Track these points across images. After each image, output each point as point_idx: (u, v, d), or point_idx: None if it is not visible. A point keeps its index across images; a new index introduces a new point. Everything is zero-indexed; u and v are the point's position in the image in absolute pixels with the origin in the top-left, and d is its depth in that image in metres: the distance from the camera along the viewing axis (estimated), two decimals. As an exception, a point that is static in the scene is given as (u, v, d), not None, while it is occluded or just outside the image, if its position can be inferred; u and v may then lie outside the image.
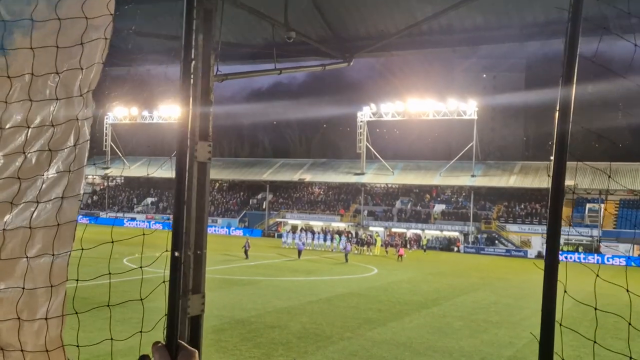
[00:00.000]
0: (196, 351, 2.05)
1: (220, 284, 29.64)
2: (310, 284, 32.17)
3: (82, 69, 2.38)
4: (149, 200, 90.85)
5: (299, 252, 48.36)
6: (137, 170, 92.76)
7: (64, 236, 2.41)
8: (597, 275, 3.27)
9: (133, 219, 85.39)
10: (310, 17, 8.11)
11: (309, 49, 8.67)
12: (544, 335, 2.23)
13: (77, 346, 2.73)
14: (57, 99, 2.38)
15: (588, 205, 65.83)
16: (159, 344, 2.05)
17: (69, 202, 2.41)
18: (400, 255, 50.51)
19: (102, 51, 2.40)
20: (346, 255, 47.02)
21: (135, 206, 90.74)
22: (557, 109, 2.23)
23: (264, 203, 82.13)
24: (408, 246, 63.58)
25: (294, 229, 71.53)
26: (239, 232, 76.65)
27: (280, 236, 63.11)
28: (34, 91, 2.37)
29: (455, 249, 66.60)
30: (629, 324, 3.44)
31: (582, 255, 58.60)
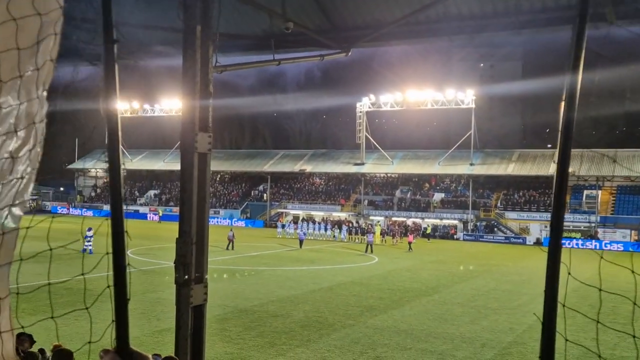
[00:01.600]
0: (150, 356, 1.98)
1: (224, 274, 29.71)
2: (312, 273, 32.21)
3: (38, 69, 2.23)
4: (152, 192, 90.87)
5: (301, 242, 48.43)
6: (139, 163, 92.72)
7: (8, 246, 2.24)
8: (602, 257, 3.25)
9: (137, 211, 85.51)
10: (308, 7, 8.05)
11: (307, 39, 8.61)
12: (546, 314, 2.22)
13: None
14: (20, 103, 2.22)
15: (586, 192, 65.85)
16: (109, 350, 1.96)
17: (17, 209, 2.25)
18: (410, 243, 49.36)
19: (53, 47, 2.23)
20: (368, 246, 46.81)
21: (138, 198, 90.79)
22: (564, 98, 2.22)
23: (265, 194, 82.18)
24: (409, 234, 63.57)
25: (295, 219, 71.67)
26: (242, 223, 76.76)
27: (283, 226, 63.03)
28: (2, 99, 2.22)
29: (455, 236, 66.67)
30: (634, 303, 3.44)
31: (580, 242, 58.66)
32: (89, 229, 36.53)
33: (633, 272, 3.13)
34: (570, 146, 2.18)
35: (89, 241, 36.11)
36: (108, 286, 2.24)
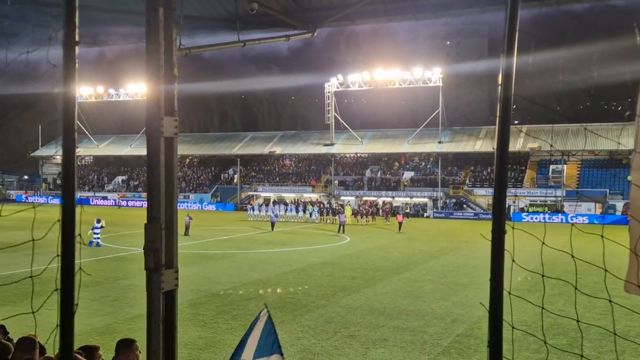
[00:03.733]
0: None
1: (195, 259, 29.57)
2: (285, 255, 32.29)
3: None
4: (120, 178, 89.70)
5: (272, 224, 48.43)
6: (106, 148, 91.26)
7: None
8: (543, 243, 3.32)
9: (105, 198, 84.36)
10: (273, -13, 7.95)
11: (272, 20, 8.52)
12: (493, 301, 2.24)
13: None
14: None
15: (551, 167, 67.13)
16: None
17: None
18: (400, 223, 49.02)
19: None
20: (341, 226, 47.14)
21: (105, 185, 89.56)
22: (500, 78, 2.22)
23: (235, 177, 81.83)
24: (382, 214, 63.94)
25: (266, 201, 71.60)
26: (212, 207, 76.49)
27: (254, 209, 62.86)
28: None
29: (425, 215, 67.36)
30: (575, 288, 3.57)
31: (547, 216, 59.89)
32: (98, 220, 34.73)
33: (573, 256, 3.23)
34: (508, 127, 2.21)
35: (97, 233, 34.13)
36: (56, 289, 2.03)
